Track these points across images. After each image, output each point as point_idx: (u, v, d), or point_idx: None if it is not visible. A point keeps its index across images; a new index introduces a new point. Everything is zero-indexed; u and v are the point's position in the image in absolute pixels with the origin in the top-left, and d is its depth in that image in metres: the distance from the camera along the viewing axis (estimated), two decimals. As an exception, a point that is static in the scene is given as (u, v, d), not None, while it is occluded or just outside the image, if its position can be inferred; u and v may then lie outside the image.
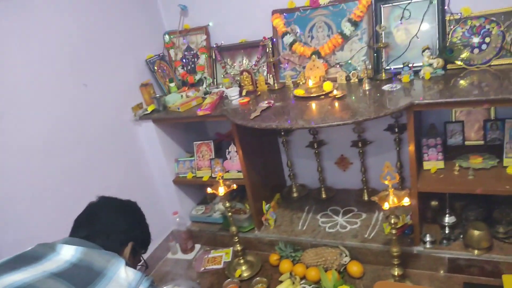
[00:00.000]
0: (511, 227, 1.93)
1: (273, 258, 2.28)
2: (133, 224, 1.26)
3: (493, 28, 1.90)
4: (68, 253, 1.06)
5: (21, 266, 1.04)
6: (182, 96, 2.50)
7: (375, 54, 2.18)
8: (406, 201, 1.70)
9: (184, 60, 2.70)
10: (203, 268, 2.41)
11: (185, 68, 2.70)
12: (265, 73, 2.48)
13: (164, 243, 2.62)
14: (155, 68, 2.55)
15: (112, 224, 1.18)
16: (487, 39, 1.92)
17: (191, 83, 2.66)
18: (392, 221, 1.76)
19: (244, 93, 2.41)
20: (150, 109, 2.43)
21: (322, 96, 2.07)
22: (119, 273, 1.04)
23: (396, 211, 1.77)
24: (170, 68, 2.67)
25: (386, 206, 1.70)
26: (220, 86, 2.55)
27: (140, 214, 1.32)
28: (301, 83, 2.32)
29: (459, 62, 1.99)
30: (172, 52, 2.69)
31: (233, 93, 2.36)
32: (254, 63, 2.50)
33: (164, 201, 2.65)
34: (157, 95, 2.46)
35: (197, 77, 2.64)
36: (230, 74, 2.58)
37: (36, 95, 1.85)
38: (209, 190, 2.19)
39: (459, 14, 1.97)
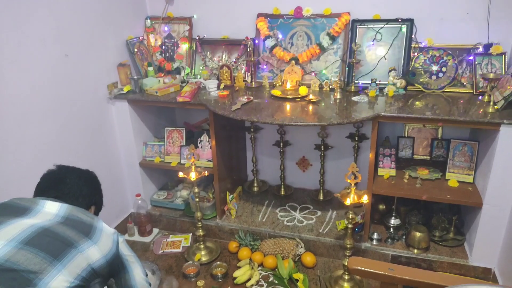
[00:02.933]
0: (445, 232, 2.24)
1: (233, 245, 2.40)
2: (95, 190, 1.39)
3: (449, 60, 2.21)
4: (53, 208, 1.13)
5: (18, 215, 1.07)
6: (159, 81, 2.54)
7: (347, 68, 2.41)
8: (365, 199, 1.92)
9: (163, 47, 2.73)
10: (162, 251, 2.45)
11: (163, 55, 2.73)
12: (243, 71, 2.60)
13: (122, 224, 2.61)
14: (135, 50, 2.56)
15: (78, 189, 1.29)
16: (444, 69, 2.23)
17: (168, 70, 2.70)
18: (350, 216, 1.96)
19: (222, 86, 2.51)
20: (126, 89, 2.44)
21: (298, 99, 2.24)
22: (104, 226, 1.17)
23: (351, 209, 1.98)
24: (149, 53, 2.69)
25: (348, 202, 1.90)
26: (198, 77, 2.62)
27: (98, 182, 1.44)
28: (277, 84, 2.48)
29: (418, 85, 2.27)
30: (152, 37, 2.72)
31: (212, 84, 2.45)
32: (234, 60, 2.61)
33: (126, 182, 2.65)
34: (135, 77, 2.48)
35: (175, 65, 2.69)
36: (208, 67, 2.66)
37: (19, 59, 1.80)
38: (180, 174, 2.25)
39: (423, 43, 2.26)
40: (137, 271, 1.26)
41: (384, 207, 2.42)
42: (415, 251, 2.17)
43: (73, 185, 1.29)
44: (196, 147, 2.49)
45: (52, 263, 0.97)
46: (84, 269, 1.03)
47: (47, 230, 1.03)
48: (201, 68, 2.68)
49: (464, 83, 2.23)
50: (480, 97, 2.11)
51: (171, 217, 2.65)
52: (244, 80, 2.57)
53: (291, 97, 2.27)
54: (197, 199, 2.31)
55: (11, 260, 0.94)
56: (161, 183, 2.89)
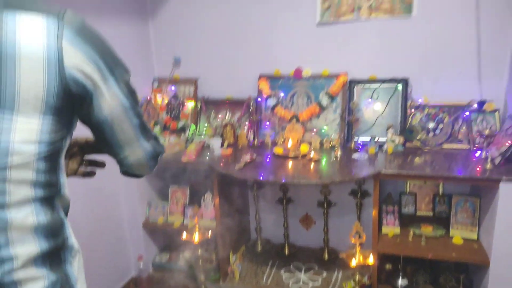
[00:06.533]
0: (455, 292, 2.17)
1: (236, 308, 2.32)
2: None
3: (445, 117, 2.28)
4: None
5: None
6: (165, 140, 2.61)
7: (346, 126, 2.48)
8: (371, 260, 1.89)
9: (169, 106, 2.84)
10: (163, 315, 2.37)
11: (169, 114, 2.83)
12: (245, 129, 2.68)
13: (123, 288, 2.55)
14: (142, 110, 2.66)
15: None
16: (440, 125, 2.29)
17: (173, 129, 2.78)
18: (357, 278, 1.92)
19: (225, 144, 2.57)
20: (131, 149, 2.50)
21: (300, 157, 2.29)
22: None
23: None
24: (155, 112, 2.79)
25: (353, 263, 1.87)
26: (202, 136, 2.70)
27: None
28: (279, 142, 2.54)
29: (417, 142, 2.33)
30: (159, 96, 2.83)
31: (215, 143, 2.51)
32: (237, 118, 2.70)
33: (129, 244, 2.62)
34: (140, 137, 2.54)
35: (181, 124, 2.78)
36: (212, 126, 2.75)
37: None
38: (184, 236, 2.24)
39: (419, 101, 2.35)
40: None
41: (391, 266, 2.36)
42: (426, 312, 2.09)
43: None
44: (199, 206, 2.50)
45: None
46: None
47: None
48: (205, 126, 2.76)
49: (461, 139, 2.28)
50: (477, 153, 2.15)
51: (173, 280, 2.58)
52: (246, 138, 2.63)
53: (293, 155, 2.31)
54: (200, 261, 2.27)
55: None
56: (163, 243, 2.85)
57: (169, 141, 2.60)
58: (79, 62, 0.71)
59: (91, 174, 1.11)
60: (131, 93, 0.85)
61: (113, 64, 0.78)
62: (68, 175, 1.03)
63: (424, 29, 2.29)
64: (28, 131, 0.68)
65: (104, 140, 0.85)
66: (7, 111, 0.66)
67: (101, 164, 1.12)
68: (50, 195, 0.74)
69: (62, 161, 0.79)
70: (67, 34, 0.69)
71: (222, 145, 2.55)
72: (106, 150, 0.90)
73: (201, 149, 2.50)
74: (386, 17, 2.33)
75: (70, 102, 0.73)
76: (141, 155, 0.90)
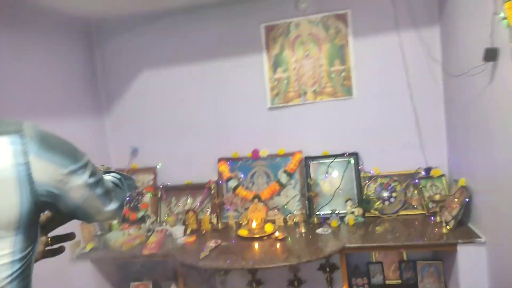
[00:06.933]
0: None
1: None
2: None
3: (397, 185, 2.42)
4: None
5: None
6: (124, 233, 2.51)
7: (307, 201, 2.54)
8: None
9: (127, 198, 2.78)
10: None
11: (127, 205, 2.76)
12: (208, 213, 2.65)
13: None
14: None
15: None
16: (394, 194, 2.41)
17: (133, 220, 2.70)
18: None
19: (188, 231, 2.52)
20: (88, 247, 2.38)
21: (265, 237, 2.28)
22: None
23: None
24: (113, 204, 2.71)
25: None
26: (164, 224, 2.63)
27: None
28: (243, 223, 2.53)
29: (375, 211, 2.41)
30: (116, 188, 2.77)
31: (178, 231, 2.45)
32: (198, 203, 2.69)
33: None
34: (99, 233, 2.44)
35: (140, 214, 2.71)
36: (174, 213, 2.70)
37: None
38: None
39: (371, 172, 2.48)
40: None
41: None
42: None
43: None
44: (165, 300, 2.36)
45: None
46: None
47: None
48: (166, 214, 2.71)
49: (415, 205, 2.40)
50: (432, 218, 2.25)
51: None
52: (210, 222, 2.60)
53: (258, 235, 2.31)
54: None
55: None
56: None
57: (128, 234, 2.51)
58: (48, 173, 0.72)
59: (60, 251, 1.02)
60: (93, 171, 0.85)
61: (76, 157, 0.80)
62: (36, 260, 0.95)
63: (366, 108, 2.50)
64: (1, 257, 0.67)
65: (73, 217, 0.86)
66: None
67: (71, 236, 1.03)
68: None
69: (33, 264, 0.77)
70: (32, 148, 0.70)
71: (185, 232, 2.49)
72: (73, 219, 0.89)
73: (163, 239, 2.42)
74: (331, 99, 2.55)
75: (40, 211, 0.73)
76: (110, 214, 0.93)
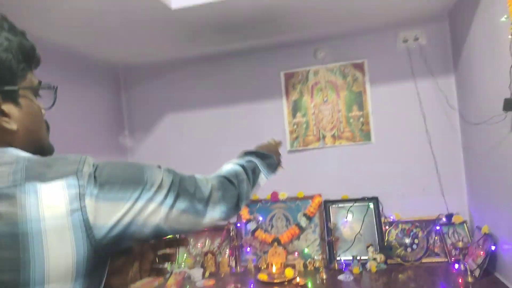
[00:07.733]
0: None
1: None
2: None
3: (418, 231, 2.39)
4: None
5: None
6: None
7: (327, 246, 2.52)
8: None
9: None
10: None
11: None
12: (226, 256, 2.64)
13: None
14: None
15: None
16: (416, 240, 2.38)
17: (151, 261, 2.69)
18: None
19: (207, 274, 2.50)
20: None
21: (286, 283, 2.25)
22: None
23: None
24: (132, 245, 2.72)
25: None
26: (182, 266, 2.62)
27: None
28: (262, 267, 2.51)
29: (397, 258, 2.38)
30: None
31: (197, 274, 2.44)
32: (217, 245, 2.68)
33: None
34: (118, 273, 2.43)
35: (159, 255, 2.70)
36: (192, 254, 2.69)
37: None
38: None
39: (391, 217, 2.47)
40: None
41: None
42: None
43: None
44: None
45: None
46: None
47: None
48: (184, 257, 2.70)
49: (438, 253, 2.36)
50: (456, 266, 2.21)
51: None
52: (229, 266, 2.58)
53: (278, 281, 2.27)
54: None
55: None
56: None
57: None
58: (106, 215, 0.67)
59: (163, 271, 0.94)
60: (169, 185, 0.76)
61: (139, 181, 0.72)
62: (133, 281, 0.87)
63: (385, 152, 2.54)
64: None
65: (160, 237, 0.79)
66: (38, 287, 0.62)
67: (183, 242, 0.95)
68: None
69: None
70: (88, 190, 0.66)
71: (203, 275, 2.47)
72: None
73: (181, 281, 2.40)
74: (349, 144, 2.59)
75: (105, 256, 0.70)
76: (213, 222, 0.83)
